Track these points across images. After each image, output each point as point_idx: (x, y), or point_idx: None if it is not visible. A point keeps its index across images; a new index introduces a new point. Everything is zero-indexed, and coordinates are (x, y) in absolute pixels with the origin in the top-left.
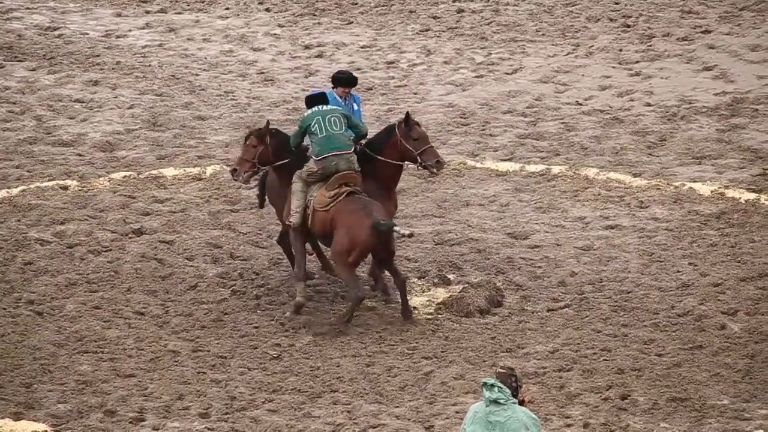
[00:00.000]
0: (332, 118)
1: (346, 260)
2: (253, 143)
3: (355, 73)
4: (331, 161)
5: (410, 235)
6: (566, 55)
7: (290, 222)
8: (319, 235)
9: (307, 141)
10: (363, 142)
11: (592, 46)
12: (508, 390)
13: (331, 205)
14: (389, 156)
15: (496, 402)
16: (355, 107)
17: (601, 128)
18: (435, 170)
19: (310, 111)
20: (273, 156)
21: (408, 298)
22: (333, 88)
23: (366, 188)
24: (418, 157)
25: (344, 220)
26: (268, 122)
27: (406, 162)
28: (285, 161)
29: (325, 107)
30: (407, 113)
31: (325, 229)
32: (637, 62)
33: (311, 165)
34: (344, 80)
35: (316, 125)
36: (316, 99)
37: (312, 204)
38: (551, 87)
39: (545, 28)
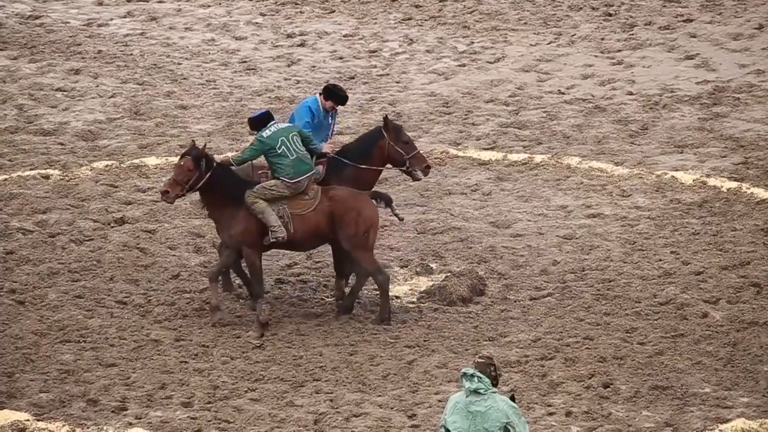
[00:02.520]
0: (294, 137)
1: (366, 242)
2: (188, 166)
3: (336, 62)
4: (303, 183)
5: (402, 219)
6: (548, 44)
7: (279, 238)
8: (305, 239)
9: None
10: (337, 149)
11: (574, 34)
12: (487, 379)
13: (317, 204)
14: (376, 160)
15: (476, 392)
16: (330, 121)
17: (583, 117)
18: (422, 176)
19: (271, 131)
20: (206, 182)
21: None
22: (325, 98)
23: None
24: (407, 162)
25: (348, 205)
26: (205, 145)
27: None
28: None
29: (281, 125)
30: (385, 117)
31: (318, 229)
32: (619, 51)
33: (277, 186)
34: (341, 99)
35: (284, 147)
36: (263, 120)
37: (286, 212)
38: (533, 76)
39: (527, 17)
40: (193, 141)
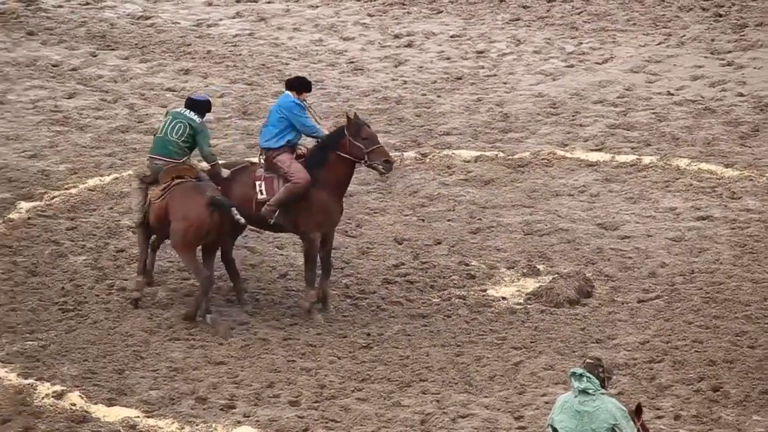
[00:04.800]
0: (178, 124)
1: (183, 241)
2: None
3: (444, 63)
4: (158, 165)
5: (245, 225)
6: (657, 44)
7: (135, 221)
8: (155, 227)
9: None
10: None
11: (684, 35)
12: (596, 380)
13: (164, 195)
14: (339, 158)
15: (584, 392)
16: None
17: (692, 118)
18: (383, 170)
19: (175, 111)
20: None
21: (242, 294)
22: (297, 92)
23: (315, 197)
24: (366, 156)
25: (178, 201)
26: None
27: (357, 165)
28: None
29: (184, 111)
30: (355, 114)
31: (160, 220)
32: (730, 52)
33: (147, 165)
34: (307, 84)
35: (162, 123)
36: (191, 102)
37: (149, 198)
38: (642, 77)
39: (636, 18)
40: None
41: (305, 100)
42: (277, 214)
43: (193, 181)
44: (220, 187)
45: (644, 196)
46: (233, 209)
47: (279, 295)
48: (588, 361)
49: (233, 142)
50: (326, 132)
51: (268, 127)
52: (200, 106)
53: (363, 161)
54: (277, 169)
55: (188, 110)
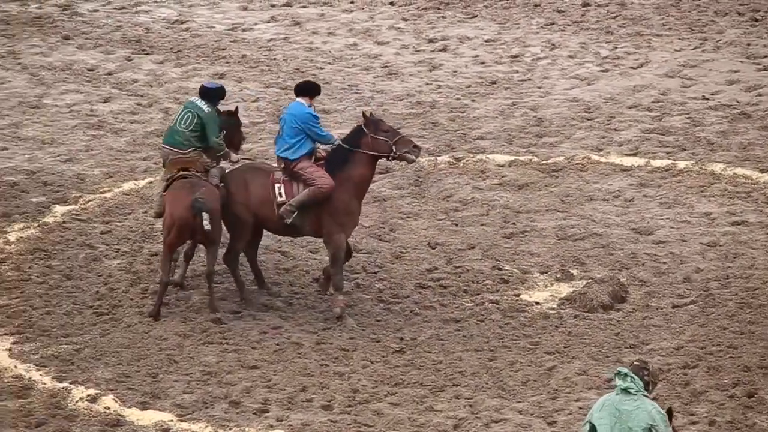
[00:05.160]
0: (187, 114)
1: (166, 237)
2: None
3: (478, 67)
4: (167, 154)
5: (210, 230)
6: (693, 49)
7: (153, 214)
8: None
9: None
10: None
11: (720, 40)
12: (640, 381)
13: (168, 188)
14: (362, 157)
15: (626, 391)
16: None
17: (728, 123)
18: (412, 158)
19: (189, 100)
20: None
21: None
22: (310, 98)
23: (338, 198)
24: (393, 147)
25: (169, 198)
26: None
27: (379, 162)
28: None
29: (196, 100)
30: (363, 113)
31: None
32: (766, 57)
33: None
34: (318, 88)
35: (176, 113)
36: (204, 90)
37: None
38: (677, 81)
39: (672, 22)
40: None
41: (313, 105)
42: (295, 215)
43: (192, 178)
44: (222, 184)
45: (679, 201)
46: (204, 214)
47: (312, 299)
48: (635, 362)
49: (267, 146)
50: (337, 138)
51: (283, 138)
52: (212, 93)
53: (390, 154)
54: (298, 177)
55: (201, 99)
